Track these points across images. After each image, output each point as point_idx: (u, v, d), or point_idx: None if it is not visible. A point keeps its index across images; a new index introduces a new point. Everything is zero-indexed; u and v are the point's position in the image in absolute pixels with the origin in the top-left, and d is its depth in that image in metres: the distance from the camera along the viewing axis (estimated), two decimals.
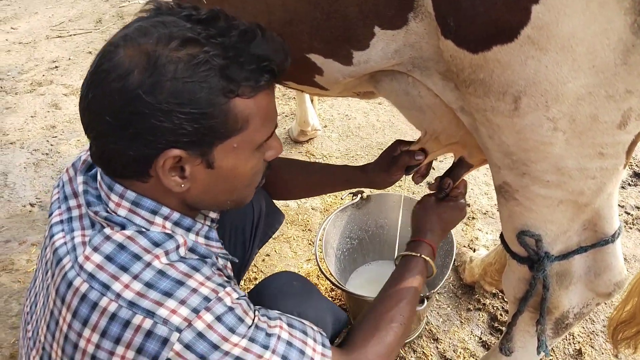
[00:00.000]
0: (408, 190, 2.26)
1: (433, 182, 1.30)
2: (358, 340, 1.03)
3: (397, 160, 1.28)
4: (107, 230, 0.85)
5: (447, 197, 1.27)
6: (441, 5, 0.84)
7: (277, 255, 2.02)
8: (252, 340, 0.86)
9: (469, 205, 2.19)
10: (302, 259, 2.00)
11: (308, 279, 1.85)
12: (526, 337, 1.22)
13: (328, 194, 2.24)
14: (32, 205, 2.37)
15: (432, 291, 1.42)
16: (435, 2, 0.85)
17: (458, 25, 0.83)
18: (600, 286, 1.07)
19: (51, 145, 2.78)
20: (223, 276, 0.93)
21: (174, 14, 0.84)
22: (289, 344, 0.91)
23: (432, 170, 1.35)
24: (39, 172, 2.58)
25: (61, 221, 0.93)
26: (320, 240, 1.60)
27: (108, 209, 0.88)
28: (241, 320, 0.86)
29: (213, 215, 1.06)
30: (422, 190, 2.26)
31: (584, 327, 1.70)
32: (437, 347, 1.68)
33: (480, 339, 1.70)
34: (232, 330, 0.84)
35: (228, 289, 0.87)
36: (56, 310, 0.86)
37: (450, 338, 1.70)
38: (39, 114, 3.05)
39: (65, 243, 0.89)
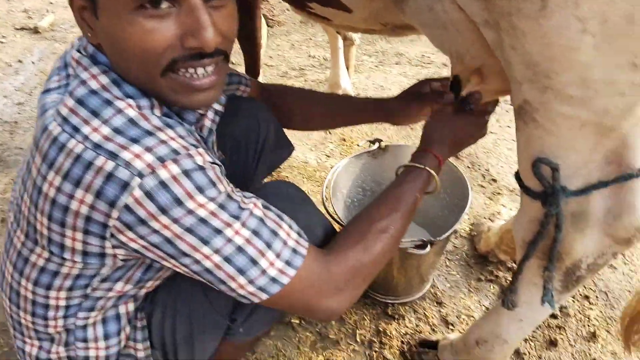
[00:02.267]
0: None
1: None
2: (341, 243, 0.97)
3: (423, 97, 1.22)
4: (84, 75, 0.84)
5: (469, 111, 1.14)
6: None
7: None
8: (221, 207, 0.82)
9: (495, 180, 2.10)
10: None
11: None
12: (532, 290, 1.14)
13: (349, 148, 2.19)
14: None
15: (439, 238, 1.35)
16: None
17: None
18: (619, 230, 0.98)
19: None
20: (201, 144, 0.89)
21: None
22: (262, 221, 0.87)
23: None
24: None
25: (59, 87, 0.92)
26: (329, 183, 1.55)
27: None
28: (212, 183, 0.82)
29: (217, 107, 1.03)
30: None
31: (602, 312, 1.60)
32: (440, 311, 1.61)
33: (488, 309, 1.61)
34: (199, 189, 0.80)
35: (201, 150, 0.83)
36: (31, 159, 0.85)
37: (455, 304, 1.63)
38: None
39: (54, 100, 0.88)
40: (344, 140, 2.32)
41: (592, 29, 0.77)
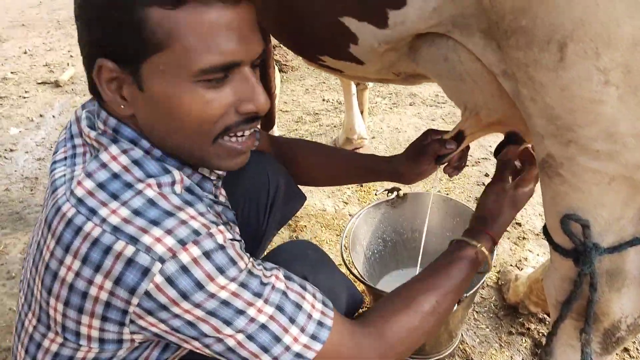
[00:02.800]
0: (440, 189, 2.12)
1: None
2: (378, 315, 0.92)
3: (426, 148, 1.18)
4: (104, 157, 0.81)
5: (521, 181, 1.10)
6: None
7: None
8: (243, 285, 0.78)
9: (519, 224, 2.02)
10: (335, 262, 1.89)
11: None
12: (569, 353, 1.06)
13: (366, 199, 2.14)
14: None
15: (465, 295, 1.28)
16: None
17: None
18: None
19: None
20: (220, 219, 0.86)
21: None
22: (285, 294, 0.83)
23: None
24: None
25: (65, 158, 0.90)
26: (347, 236, 1.50)
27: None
28: (233, 262, 0.78)
29: (219, 172, 1.01)
30: (456, 189, 2.11)
31: None
32: None
33: None
34: (220, 270, 0.76)
35: (221, 227, 0.81)
36: (42, 240, 0.82)
37: None
38: None
39: (64, 175, 0.86)
40: (361, 186, 2.28)
41: (615, 80, 0.72)
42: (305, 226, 2.07)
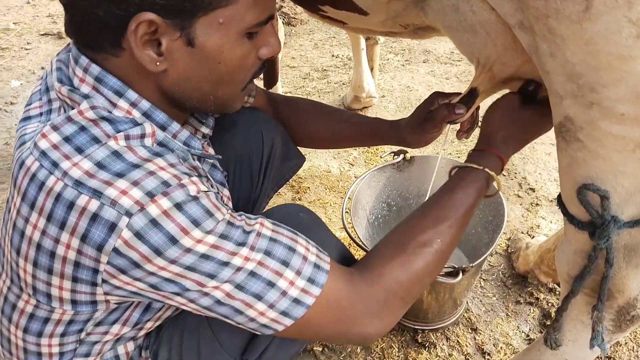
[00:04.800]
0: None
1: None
2: (375, 259, 0.86)
3: (434, 114, 1.08)
4: (72, 112, 0.75)
5: (535, 101, 0.99)
6: None
7: None
8: (223, 237, 0.73)
9: (532, 190, 1.93)
10: (337, 226, 1.83)
11: None
12: (578, 328, 1.00)
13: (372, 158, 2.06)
14: None
15: (471, 264, 1.21)
16: None
17: None
18: None
19: None
20: (194, 172, 0.81)
21: None
22: (273, 240, 0.78)
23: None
24: None
25: (40, 114, 0.84)
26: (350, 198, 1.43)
27: (73, 85, 0.78)
28: (209, 213, 0.73)
29: (205, 130, 0.94)
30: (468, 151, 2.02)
31: None
32: (475, 338, 1.47)
33: (528, 336, 1.47)
34: (195, 223, 0.71)
35: (194, 178, 0.75)
36: (10, 198, 0.78)
37: (491, 330, 1.48)
38: None
39: (34, 130, 0.80)
40: (369, 147, 2.19)
41: None
42: (309, 188, 2.00)
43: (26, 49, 3.29)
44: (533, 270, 1.55)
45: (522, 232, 1.75)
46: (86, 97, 0.77)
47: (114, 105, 0.77)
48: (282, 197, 1.97)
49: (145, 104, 0.79)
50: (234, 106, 0.89)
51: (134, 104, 0.78)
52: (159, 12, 0.70)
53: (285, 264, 0.77)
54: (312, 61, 2.96)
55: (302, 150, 1.34)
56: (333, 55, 2.99)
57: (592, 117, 0.74)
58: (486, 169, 0.94)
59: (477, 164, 0.94)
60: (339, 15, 1.21)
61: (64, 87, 0.79)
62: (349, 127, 1.26)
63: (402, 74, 2.73)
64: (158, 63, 0.75)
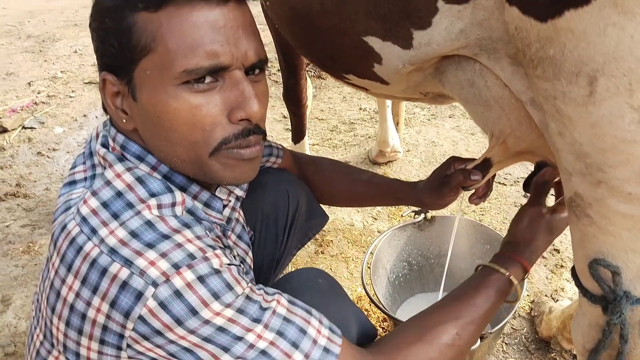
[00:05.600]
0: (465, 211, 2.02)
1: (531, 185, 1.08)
2: (391, 344, 0.87)
3: (449, 179, 1.12)
4: (109, 174, 0.81)
5: (558, 206, 1.04)
6: None
7: (331, 274, 1.86)
8: (240, 311, 0.76)
9: (557, 251, 1.91)
10: (358, 281, 1.84)
11: (358, 303, 1.70)
12: None
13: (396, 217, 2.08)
14: None
15: (491, 330, 1.21)
16: None
17: None
18: None
19: None
20: (219, 243, 0.84)
21: None
22: (287, 320, 0.79)
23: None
24: None
25: (84, 178, 0.90)
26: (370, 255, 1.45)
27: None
28: (229, 287, 0.76)
29: (239, 192, 0.98)
30: (491, 209, 2.02)
31: None
32: None
33: None
34: (215, 296, 0.74)
35: (218, 251, 0.78)
36: (50, 257, 0.83)
37: None
38: None
39: (79, 195, 0.86)
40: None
41: None
42: (332, 241, 2.03)
43: (70, 97, 3.48)
44: (556, 336, 1.52)
45: (545, 295, 1.73)
46: (120, 158, 0.83)
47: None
48: (305, 249, 1.99)
49: (164, 168, 0.83)
50: (218, 174, 0.82)
51: (154, 168, 0.83)
52: (110, 71, 0.77)
53: (295, 345, 0.79)
54: (340, 114, 3.04)
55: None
56: (360, 109, 3.07)
57: (601, 195, 0.76)
58: (511, 277, 0.97)
59: (504, 267, 0.97)
60: (362, 83, 1.27)
61: (102, 149, 0.85)
62: (369, 187, 1.30)
63: (428, 129, 2.78)
64: (125, 120, 0.80)
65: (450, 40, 0.90)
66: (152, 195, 0.80)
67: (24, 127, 3.09)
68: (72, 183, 0.90)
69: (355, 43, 1.03)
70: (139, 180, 0.81)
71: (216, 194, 0.92)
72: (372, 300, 1.30)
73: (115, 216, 0.77)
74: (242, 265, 0.84)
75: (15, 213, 2.36)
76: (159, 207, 0.80)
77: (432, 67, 1.04)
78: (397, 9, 0.91)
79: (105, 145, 0.87)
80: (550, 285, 1.78)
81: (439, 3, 0.85)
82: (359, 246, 2.01)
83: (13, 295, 1.89)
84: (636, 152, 0.69)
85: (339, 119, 2.97)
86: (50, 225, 2.25)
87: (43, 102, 3.40)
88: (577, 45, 0.67)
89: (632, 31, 0.61)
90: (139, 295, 0.72)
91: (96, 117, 3.23)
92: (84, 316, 0.76)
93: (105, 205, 0.79)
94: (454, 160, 1.13)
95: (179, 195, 0.82)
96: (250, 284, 0.81)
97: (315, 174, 1.32)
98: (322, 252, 1.97)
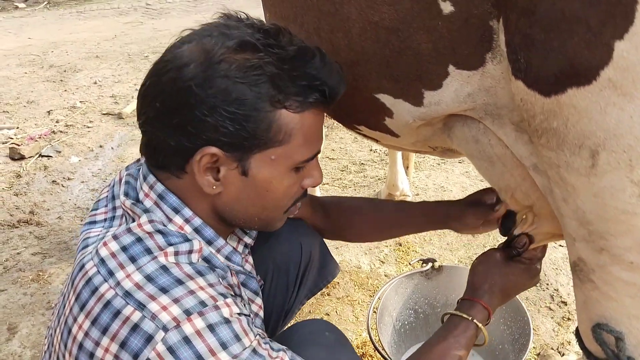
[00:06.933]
0: None
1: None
2: None
3: (478, 203, 1.18)
4: (132, 224, 0.85)
5: (518, 257, 1.08)
6: (513, 38, 0.75)
7: (337, 317, 1.89)
8: None
9: (565, 303, 1.91)
10: (363, 325, 1.84)
11: (363, 348, 1.70)
12: None
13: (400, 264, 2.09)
14: None
15: None
16: (508, 35, 0.76)
17: (529, 63, 0.73)
18: None
19: None
20: (230, 290, 0.87)
21: (239, 21, 0.88)
22: None
23: None
24: None
25: (105, 219, 0.95)
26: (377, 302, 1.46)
27: (138, 198, 0.89)
28: (237, 337, 0.78)
29: (248, 240, 1.01)
30: None
31: None
32: None
33: None
34: (223, 345, 0.77)
35: (229, 300, 0.81)
36: (67, 294, 0.87)
37: None
38: None
39: (97, 234, 0.90)
40: (400, 245, 2.23)
41: None
42: (338, 283, 2.03)
43: (88, 127, 3.56)
44: None
45: (552, 349, 1.72)
46: (146, 211, 0.87)
47: (170, 220, 0.87)
48: None
49: (197, 221, 0.88)
50: (275, 226, 0.98)
51: (187, 220, 0.88)
52: (221, 147, 0.81)
53: None
54: (350, 154, 3.08)
55: (335, 243, 1.38)
56: (371, 150, 3.11)
57: (603, 262, 0.78)
58: (475, 320, 1.01)
59: (467, 313, 1.02)
60: (373, 135, 1.30)
61: (128, 200, 0.90)
62: (397, 213, 1.32)
63: (437, 173, 2.81)
64: (215, 187, 0.85)
65: (458, 102, 0.94)
66: (170, 244, 0.84)
67: (40, 155, 3.16)
68: (92, 223, 0.95)
69: (368, 99, 1.08)
70: (160, 232, 0.85)
71: (227, 241, 0.95)
72: (375, 347, 1.30)
73: (133, 260, 0.81)
74: (250, 315, 0.86)
75: (27, 240, 2.40)
76: (176, 254, 0.83)
77: (440, 122, 1.07)
78: (411, 71, 0.95)
79: (127, 194, 0.92)
80: (557, 338, 1.77)
81: (450, 67, 0.89)
82: (366, 289, 2.02)
83: (20, 324, 1.91)
84: (637, 224, 0.71)
85: (350, 159, 3.01)
86: (60, 254, 2.29)
87: (61, 131, 3.49)
88: (579, 120, 0.70)
89: (631, 112, 0.65)
90: (149, 339, 0.75)
91: (112, 148, 3.30)
92: (92, 355, 0.79)
93: (124, 249, 0.83)
94: (489, 191, 1.17)
95: (196, 243, 0.86)
96: (257, 337, 0.83)
97: (341, 215, 1.33)
98: (328, 294, 1.98)
